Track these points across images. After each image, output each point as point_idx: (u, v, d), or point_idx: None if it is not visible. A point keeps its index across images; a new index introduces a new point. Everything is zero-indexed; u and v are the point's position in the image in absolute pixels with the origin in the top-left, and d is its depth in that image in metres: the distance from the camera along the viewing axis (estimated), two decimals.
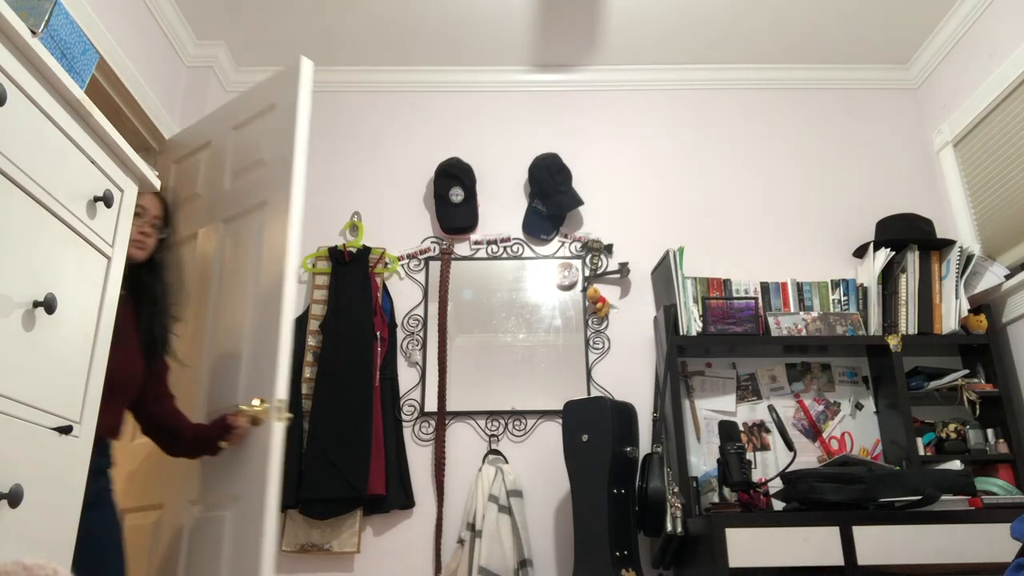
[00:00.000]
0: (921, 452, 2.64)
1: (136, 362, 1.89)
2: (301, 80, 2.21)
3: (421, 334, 2.98)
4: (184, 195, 2.55)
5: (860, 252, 3.06)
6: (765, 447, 2.82)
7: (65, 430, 1.45)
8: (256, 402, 1.97)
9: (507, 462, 2.79)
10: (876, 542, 2.21)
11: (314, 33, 3.16)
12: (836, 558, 2.19)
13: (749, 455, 2.75)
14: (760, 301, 2.91)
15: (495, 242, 3.13)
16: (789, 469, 2.41)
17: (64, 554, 1.45)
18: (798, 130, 3.32)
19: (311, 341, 2.90)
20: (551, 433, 2.85)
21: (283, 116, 2.23)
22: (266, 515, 1.85)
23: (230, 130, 2.44)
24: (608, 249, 3.11)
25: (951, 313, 2.76)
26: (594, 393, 2.88)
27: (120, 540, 1.83)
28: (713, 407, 2.87)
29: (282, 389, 1.97)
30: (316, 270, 3.03)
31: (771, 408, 2.56)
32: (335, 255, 3.01)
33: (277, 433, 1.92)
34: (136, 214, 1.87)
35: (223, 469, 2.04)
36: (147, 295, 1.96)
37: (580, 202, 3.09)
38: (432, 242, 3.12)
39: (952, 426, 2.70)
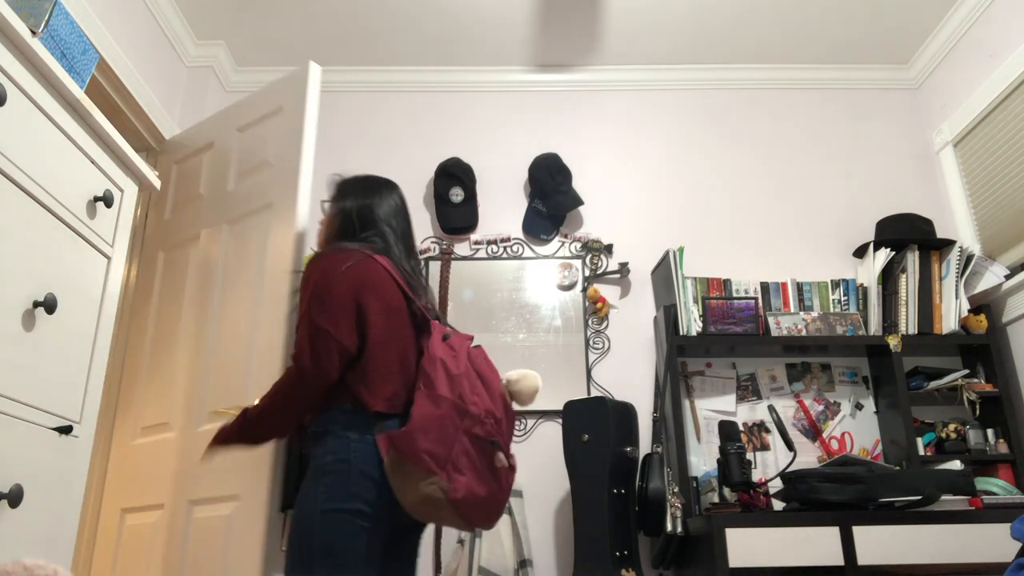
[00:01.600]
0: (921, 452, 2.64)
1: None
2: (309, 84, 2.22)
3: None
4: (187, 196, 2.56)
5: (860, 252, 3.06)
6: (765, 447, 2.82)
7: (65, 430, 1.45)
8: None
9: None
10: (876, 542, 2.21)
11: (314, 33, 3.16)
12: (836, 558, 2.19)
13: (749, 455, 2.75)
14: (760, 301, 2.91)
15: (495, 242, 3.13)
16: (789, 469, 2.40)
17: (64, 554, 1.45)
18: (798, 130, 3.32)
19: None
20: (551, 433, 2.84)
21: (290, 119, 2.25)
22: (267, 514, 1.86)
23: (234, 132, 2.45)
24: (608, 249, 3.11)
25: (951, 313, 2.76)
26: (594, 393, 2.88)
27: None
28: (713, 407, 2.87)
29: None
30: None
31: (771, 408, 2.56)
32: None
33: None
34: None
35: (223, 469, 2.02)
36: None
37: (580, 202, 3.09)
38: (432, 242, 3.12)
39: (952, 426, 2.70)
